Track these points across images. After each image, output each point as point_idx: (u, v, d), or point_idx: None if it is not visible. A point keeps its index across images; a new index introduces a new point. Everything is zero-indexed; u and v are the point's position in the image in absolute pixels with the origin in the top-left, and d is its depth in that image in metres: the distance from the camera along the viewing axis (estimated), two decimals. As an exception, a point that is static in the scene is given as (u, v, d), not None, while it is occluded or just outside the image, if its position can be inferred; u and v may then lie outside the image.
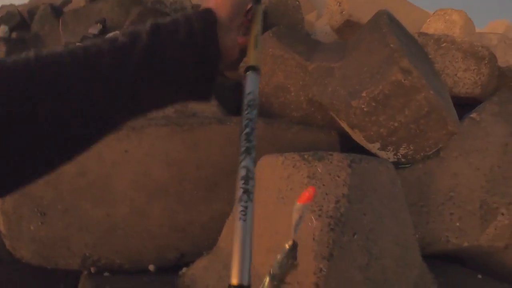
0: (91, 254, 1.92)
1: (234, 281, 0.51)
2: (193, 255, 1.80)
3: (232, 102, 2.10)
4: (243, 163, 0.58)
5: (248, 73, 0.66)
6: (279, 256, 0.80)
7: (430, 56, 2.59)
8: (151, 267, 1.93)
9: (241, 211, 0.54)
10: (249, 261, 0.52)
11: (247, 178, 0.56)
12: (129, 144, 1.84)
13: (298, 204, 0.77)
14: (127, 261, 1.94)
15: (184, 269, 1.83)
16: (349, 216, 1.30)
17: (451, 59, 2.68)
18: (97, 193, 1.96)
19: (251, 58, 0.67)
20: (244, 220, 0.54)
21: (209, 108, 1.97)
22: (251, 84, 0.65)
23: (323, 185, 1.28)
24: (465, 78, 2.67)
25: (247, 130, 0.60)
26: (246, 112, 0.62)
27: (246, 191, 0.55)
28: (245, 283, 0.51)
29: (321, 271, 1.27)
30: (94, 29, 3.22)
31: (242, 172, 0.57)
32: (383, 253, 1.42)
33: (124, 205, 1.93)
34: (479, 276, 1.99)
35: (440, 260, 1.99)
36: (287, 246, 0.81)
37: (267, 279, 0.78)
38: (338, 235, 1.28)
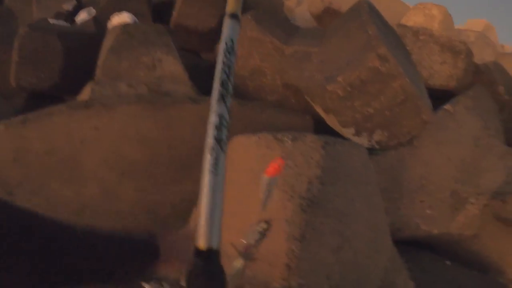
0: (59, 235, 1.86)
1: (202, 244, 0.44)
2: (163, 237, 1.76)
3: (206, 83, 2.05)
4: (217, 110, 0.51)
5: (228, 20, 0.61)
6: (250, 236, 0.77)
7: (407, 48, 2.61)
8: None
9: (212, 163, 0.47)
10: (220, 222, 0.45)
11: (220, 126, 0.49)
12: (100, 121, 1.78)
13: (266, 177, 0.74)
14: (95, 243, 1.88)
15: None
16: (321, 198, 1.29)
17: (428, 52, 2.71)
18: (66, 172, 1.89)
19: (231, 6, 0.62)
20: (215, 174, 0.47)
21: (183, 87, 1.92)
22: (230, 31, 0.59)
23: (296, 165, 1.26)
24: (441, 71, 2.70)
25: (223, 76, 0.54)
26: (223, 57, 0.56)
27: (218, 141, 0.48)
28: (214, 246, 0.44)
29: (293, 252, 1.26)
30: (69, 5, 3.09)
31: (215, 119, 0.50)
32: (355, 236, 1.42)
33: (94, 184, 1.87)
34: (448, 263, 2.03)
35: (410, 246, 2.02)
36: (261, 227, 0.78)
37: (239, 261, 0.74)
38: (310, 216, 1.27)
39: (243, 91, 2.14)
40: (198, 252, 0.44)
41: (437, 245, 2.19)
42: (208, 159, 0.48)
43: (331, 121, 1.81)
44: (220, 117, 0.51)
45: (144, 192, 1.76)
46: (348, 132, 1.78)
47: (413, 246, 2.04)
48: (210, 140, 0.49)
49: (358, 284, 1.46)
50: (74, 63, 2.74)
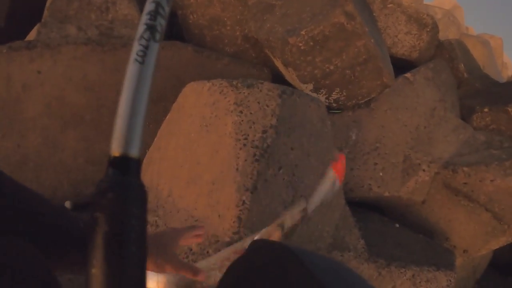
0: (0, 190, 1.73)
1: (116, 150, 0.35)
2: (111, 190, 1.67)
3: (164, 31, 1.94)
4: None
5: None
6: (291, 211, 0.74)
7: (374, 14, 2.59)
8: (68, 204, 1.77)
9: (139, 50, 0.39)
10: (141, 125, 0.37)
11: (156, 14, 0.41)
12: (43, 64, 1.63)
13: (332, 173, 0.72)
14: (39, 198, 1.76)
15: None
16: (275, 149, 1.25)
17: (395, 21, 2.70)
18: (5, 121, 1.74)
19: None
20: (141, 63, 0.38)
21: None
22: None
23: (250, 113, 1.20)
24: (405, 41, 2.72)
25: None
26: None
27: (150, 28, 0.40)
28: (133, 153, 0.35)
29: (244, 203, 1.21)
30: None
31: (150, 7, 0.41)
32: (308, 191, 1.40)
33: (36, 134, 1.73)
34: (397, 225, 2.08)
35: (361, 207, 2.05)
36: (300, 207, 0.75)
37: (273, 226, 0.72)
38: (263, 167, 1.22)
39: (200, 40, 2.03)
40: (112, 161, 0.36)
41: (387, 208, 2.24)
42: (135, 47, 0.39)
43: (290, 76, 1.75)
44: (156, 4, 0.42)
45: (89, 142, 1.65)
46: (306, 87, 1.74)
47: (363, 208, 2.08)
48: (140, 28, 0.40)
49: (309, 241, 1.45)
50: (21, 6, 2.51)
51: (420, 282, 1.76)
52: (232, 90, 1.24)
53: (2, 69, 1.74)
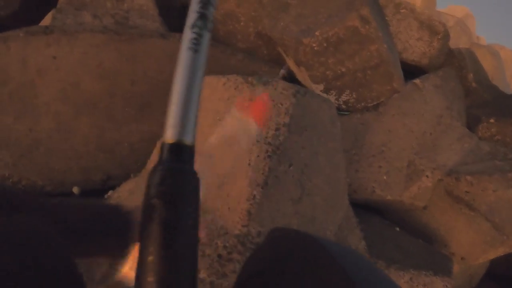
0: (11, 174, 1.75)
1: (170, 136, 0.35)
2: (120, 178, 1.69)
3: (177, 23, 1.95)
4: None
5: None
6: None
7: (387, 18, 2.60)
8: (76, 190, 1.80)
9: (193, 38, 0.39)
10: (196, 111, 0.37)
11: (207, 2, 0.42)
12: (59, 49, 1.65)
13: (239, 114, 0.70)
14: (49, 183, 1.78)
15: (110, 192, 1.73)
16: (287, 146, 1.27)
17: (407, 26, 2.72)
18: (19, 105, 1.76)
19: None
20: (196, 51, 0.39)
21: (152, 23, 1.80)
22: None
23: (265, 110, 1.23)
24: (416, 47, 2.73)
25: None
26: None
27: (202, 16, 0.41)
28: (187, 140, 0.36)
29: (254, 198, 1.23)
30: None
31: None
32: (315, 190, 1.42)
33: (49, 119, 1.75)
34: (397, 229, 2.11)
35: (363, 209, 2.07)
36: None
37: None
38: (274, 163, 1.24)
39: (213, 35, 2.04)
40: (167, 148, 0.36)
41: (388, 212, 2.26)
42: (188, 35, 0.40)
43: (301, 75, 1.77)
44: None
45: (101, 129, 1.67)
46: (317, 88, 1.76)
47: (365, 210, 2.10)
48: (192, 15, 0.41)
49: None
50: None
51: (417, 285, 1.79)
52: (247, 87, 1.26)
53: (18, 53, 1.76)
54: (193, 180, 0.36)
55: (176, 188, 0.34)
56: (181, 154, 0.36)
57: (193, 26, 0.40)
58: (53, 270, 0.43)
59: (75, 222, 0.57)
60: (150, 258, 0.30)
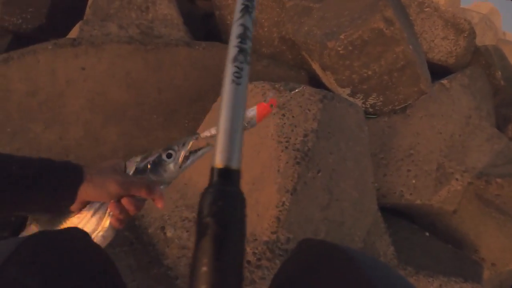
0: (41, 181, 1.79)
1: (219, 162, 0.39)
2: (148, 185, 1.71)
3: (201, 31, 1.97)
4: (240, 21, 0.48)
5: None
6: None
7: (410, 18, 2.56)
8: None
9: (235, 72, 0.43)
10: (241, 138, 0.41)
11: (244, 37, 0.46)
12: (87, 61, 1.69)
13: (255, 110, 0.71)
14: (78, 189, 1.82)
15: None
16: (315, 152, 1.26)
17: (431, 25, 2.66)
18: (49, 114, 1.81)
19: None
20: (238, 84, 0.42)
21: (176, 32, 1.82)
22: None
23: (293, 116, 1.22)
24: (441, 46, 2.67)
25: None
26: None
27: (242, 50, 0.45)
28: (234, 165, 0.39)
29: (283, 204, 1.22)
30: None
31: (238, 30, 0.47)
32: (343, 195, 1.40)
33: (78, 127, 1.79)
34: (427, 234, 2.06)
35: (391, 214, 2.03)
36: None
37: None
38: (303, 169, 1.23)
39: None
40: (216, 172, 0.39)
41: (417, 216, 2.22)
42: (230, 69, 0.43)
43: (327, 79, 1.76)
44: (244, 28, 0.47)
45: (129, 137, 1.70)
46: (343, 92, 1.74)
47: (393, 215, 2.06)
48: (233, 50, 0.45)
49: (341, 244, 1.45)
50: (62, 3, 2.59)
51: (447, 292, 1.74)
52: (274, 93, 1.26)
53: (47, 64, 1.81)
54: (240, 200, 0.39)
55: (226, 208, 0.37)
56: (229, 178, 0.39)
57: (234, 60, 0.44)
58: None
59: (20, 173, 0.59)
60: (204, 269, 0.33)
